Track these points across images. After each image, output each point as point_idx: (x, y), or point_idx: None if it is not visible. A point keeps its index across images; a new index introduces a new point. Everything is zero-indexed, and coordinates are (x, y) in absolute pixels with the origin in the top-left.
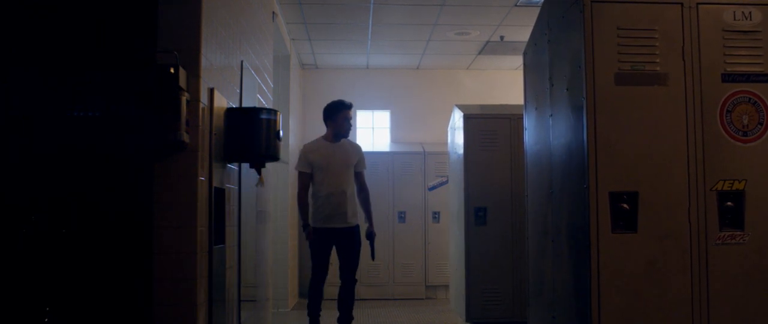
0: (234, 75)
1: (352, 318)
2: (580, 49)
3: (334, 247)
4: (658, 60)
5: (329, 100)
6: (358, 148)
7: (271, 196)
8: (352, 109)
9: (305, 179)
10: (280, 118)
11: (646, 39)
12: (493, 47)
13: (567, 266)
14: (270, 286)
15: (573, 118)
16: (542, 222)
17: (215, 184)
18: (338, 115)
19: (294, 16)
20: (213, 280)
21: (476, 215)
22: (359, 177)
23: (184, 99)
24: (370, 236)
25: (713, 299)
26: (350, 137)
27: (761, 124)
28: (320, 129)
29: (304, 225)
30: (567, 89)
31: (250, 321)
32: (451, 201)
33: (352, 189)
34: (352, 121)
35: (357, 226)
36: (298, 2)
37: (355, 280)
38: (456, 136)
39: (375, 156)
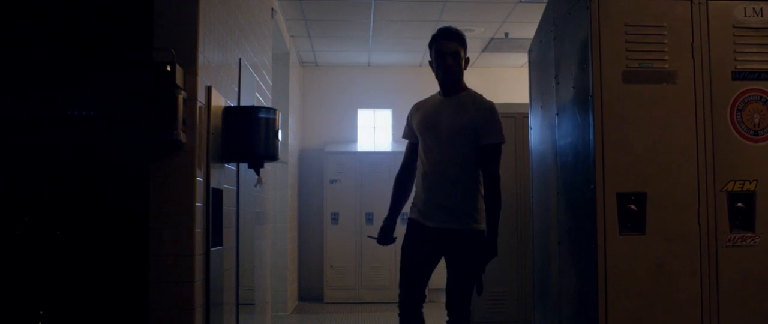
0: (232, 73)
1: None
2: (587, 46)
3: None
4: (666, 57)
5: (328, 99)
6: (485, 108)
7: (270, 197)
8: (448, 40)
9: (407, 151)
10: (279, 116)
11: (654, 36)
12: (498, 44)
13: (573, 268)
14: (269, 290)
15: (579, 117)
16: (548, 223)
17: (213, 184)
18: (431, 53)
19: (293, 12)
20: (210, 283)
21: None
22: (485, 155)
23: (180, 97)
24: (484, 255)
25: (723, 302)
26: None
27: None
28: (320, 128)
29: (386, 217)
30: (573, 87)
31: None
32: None
33: (471, 172)
34: (449, 59)
35: (474, 233)
36: None
37: (468, 313)
38: None
39: (376, 156)
